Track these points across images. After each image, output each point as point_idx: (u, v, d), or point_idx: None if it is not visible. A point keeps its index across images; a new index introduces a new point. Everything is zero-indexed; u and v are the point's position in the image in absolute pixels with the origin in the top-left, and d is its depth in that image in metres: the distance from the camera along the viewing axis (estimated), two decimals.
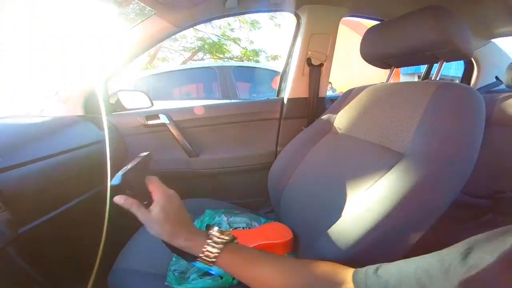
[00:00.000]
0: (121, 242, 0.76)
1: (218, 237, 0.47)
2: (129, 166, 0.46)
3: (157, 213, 0.45)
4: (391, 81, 0.87)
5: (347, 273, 0.41)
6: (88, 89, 1.04)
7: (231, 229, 0.77)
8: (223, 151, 1.18)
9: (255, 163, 1.18)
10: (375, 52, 0.81)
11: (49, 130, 0.87)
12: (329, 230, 0.55)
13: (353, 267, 0.43)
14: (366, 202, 0.52)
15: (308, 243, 0.64)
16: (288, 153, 0.89)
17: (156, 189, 0.47)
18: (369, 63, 0.85)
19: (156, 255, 0.67)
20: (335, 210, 0.58)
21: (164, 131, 1.13)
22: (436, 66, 0.71)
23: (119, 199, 0.44)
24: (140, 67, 6.09)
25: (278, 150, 1.18)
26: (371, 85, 0.83)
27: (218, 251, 0.45)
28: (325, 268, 0.43)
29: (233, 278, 0.62)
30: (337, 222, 0.55)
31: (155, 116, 1.12)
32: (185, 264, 0.66)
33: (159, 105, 1.32)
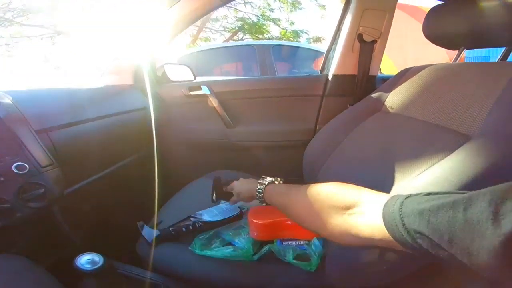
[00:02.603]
0: (152, 209, 0.80)
1: (264, 180, 0.63)
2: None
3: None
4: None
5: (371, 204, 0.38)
6: (137, 62, 1.10)
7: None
8: (259, 124, 1.18)
9: (291, 139, 1.16)
10: (442, 30, 0.74)
11: (102, 95, 0.95)
12: None
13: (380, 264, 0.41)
14: (419, 185, 0.47)
15: None
16: (329, 131, 0.84)
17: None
18: (433, 42, 0.78)
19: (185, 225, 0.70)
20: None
21: (205, 102, 1.15)
22: None
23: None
24: (183, 46, 6.29)
25: (317, 128, 1.14)
26: (432, 64, 0.74)
27: (263, 187, 0.61)
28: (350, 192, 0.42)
29: (254, 254, 0.63)
30: None
31: (197, 87, 1.14)
32: (211, 233, 0.69)
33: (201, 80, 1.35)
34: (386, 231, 0.33)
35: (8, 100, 0.63)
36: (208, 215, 0.73)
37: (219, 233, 0.70)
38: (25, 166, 0.54)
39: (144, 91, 1.07)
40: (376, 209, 0.35)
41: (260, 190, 0.60)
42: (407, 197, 0.33)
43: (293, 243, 0.65)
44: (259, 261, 0.63)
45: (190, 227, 0.69)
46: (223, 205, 0.77)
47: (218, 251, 0.63)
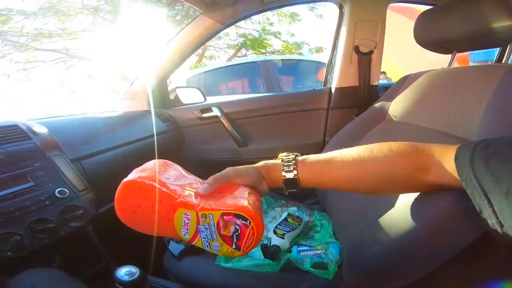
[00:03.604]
0: None
1: (285, 159, 0.47)
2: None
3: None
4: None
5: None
6: (151, 87, 1.18)
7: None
8: (269, 141, 1.22)
9: (300, 153, 1.19)
10: (432, 37, 0.76)
11: (122, 122, 1.02)
12: (379, 220, 0.52)
13: (403, 260, 0.42)
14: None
15: (354, 236, 0.63)
16: (337, 144, 0.88)
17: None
18: (426, 48, 0.80)
19: None
20: (388, 201, 0.56)
21: (217, 122, 1.22)
22: None
23: None
24: (190, 66, 6.50)
25: (326, 140, 1.17)
26: (429, 70, 0.78)
27: (294, 168, 0.45)
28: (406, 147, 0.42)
29: (278, 263, 0.65)
30: (388, 213, 0.52)
31: (209, 109, 1.21)
32: None
33: (210, 100, 1.42)
34: (460, 184, 0.35)
35: (43, 130, 0.71)
36: None
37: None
38: (66, 191, 0.61)
39: (159, 115, 1.15)
40: (449, 164, 0.37)
41: (292, 175, 0.45)
42: (474, 147, 0.35)
43: (310, 252, 0.67)
44: (280, 271, 0.65)
45: None
46: None
47: (243, 262, 0.66)
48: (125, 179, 0.41)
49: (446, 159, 0.38)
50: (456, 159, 0.36)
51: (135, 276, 0.50)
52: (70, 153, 0.71)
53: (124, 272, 0.51)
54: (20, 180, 0.58)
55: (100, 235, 0.71)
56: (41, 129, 0.71)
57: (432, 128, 0.64)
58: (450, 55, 0.80)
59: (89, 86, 7.15)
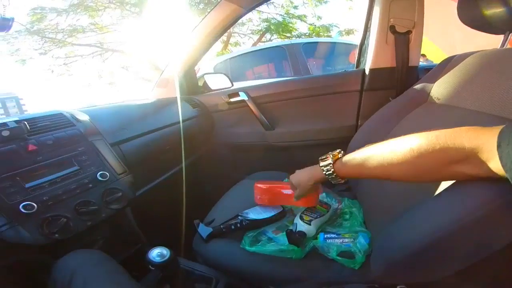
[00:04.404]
0: (206, 209, 0.88)
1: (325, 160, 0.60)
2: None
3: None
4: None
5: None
6: (180, 75, 1.21)
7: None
8: (297, 124, 1.20)
9: (331, 136, 1.16)
10: (480, 14, 0.67)
11: (154, 109, 1.06)
12: (414, 210, 0.49)
13: (438, 253, 0.39)
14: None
15: (386, 225, 0.61)
16: (372, 126, 0.83)
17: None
18: (472, 27, 0.72)
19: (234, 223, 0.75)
20: (424, 190, 0.52)
21: (244, 106, 1.22)
22: None
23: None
24: (217, 53, 6.53)
25: (359, 123, 1.12)
26: (478, 51, 0.69)
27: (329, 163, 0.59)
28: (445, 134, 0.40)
29: (302, 250, 0.65)
30: (425, 203, 0.48)
31: (236, 94, 1.22)
32: (257, 232, 0.73)
33: (237, 85, 1.42)
34: (503, 173, 0.32)
35: (85, 117, 0.76)
36: (253, 213, 0.77)
37: (264, 230, 0.74)
38: (106, 174, 0.65)
39: (190, 101, 1.18)
40: (489, 153, 0.34)
41: (329, 168, 0.58)
42: None
43: (337, 240, 0.66)
44: (304, 257, 0.65)
45: (238, 225, 0.74)
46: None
47: (267, 247, 0.67)
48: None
49: (486, 147, 0.34)
50: (498, 146, 0.33)
51: (166, 258, 0.53)
52: (110, 138, 0.75)
53: (156, 253, 0.54)
54: (66, 164, 0.63)
55: (136, 218, 0.75)
56: (83, 117, 0.76)
57: (480, 111, 0.58)
58: (503, 36, 0.70)
59: (124, 77, 7.55)
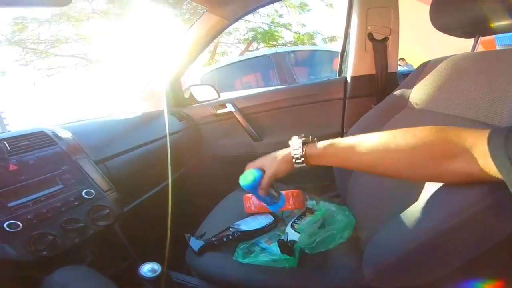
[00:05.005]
0: (197, 223, 0.87)
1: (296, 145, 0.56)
2: None
3: (266, 172, 0.60)
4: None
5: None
6: (164, 87, 1.21)
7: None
8: (285, 134, 1.19)
9: None
10: (451, 20, 0.71)
11: (140, 123, 1.06)
12: (403, 213, 0.50)
13: (427, 255, 0.40)
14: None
15: (376, 229, 0.62)
16: (356, 134, 0.85)
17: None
18: (445, 33, 0.76)
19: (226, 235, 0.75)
20: (412, 192, 0.54)
21: (231, 118, 1.23)
22: None
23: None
24: (204, 63, 6.56)
25: (344, 131, 1.15)
26: (450, 56, 0.73)
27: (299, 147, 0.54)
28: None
29: (295, 258, 0.65)
30: (413, 206, 0.49)
31: (223, 105, 1.23)
32: (250, 243, 0.73)
33: (224, 96, 1.43)
34: (494, 169, 0.33)
35: (68, 135, 0.75)
36: (245, 225, 0.78)
37: (257, 241, 0.74)
38: (92, 192, 0.64)
39: (176, 114, 1.17)
40: (480, 150, 0.35)
41: (298, 152, 0.54)
42: (509, 131, 0.33)
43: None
44: (299, 267, 0.65)
45: (230, 237, 0.74)
46: (258, 215, 0.82)
47: (260, 258, 0.67)
48: None
49: (477, 145, 0.36)
50: (489, 143, 0.34)
51: (157, 273, 0.53)
52: (94, 155, 0.74)
53: (147, 268, 0.53)
54: (50, 183, 0.62)
55: (125, 234, 0.74)
56: (66, 134, 0.75)
57: (458, 116, 0.61)
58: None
59: (108, 88, 7.42)
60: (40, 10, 6.16)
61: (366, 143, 0.47)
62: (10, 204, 0.55)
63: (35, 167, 0.62)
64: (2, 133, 0.70)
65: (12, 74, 6.26)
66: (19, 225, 0.53)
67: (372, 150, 0.46)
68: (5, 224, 0.51)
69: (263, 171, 0.60)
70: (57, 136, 0.72)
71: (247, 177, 0.60)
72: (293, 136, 0.59)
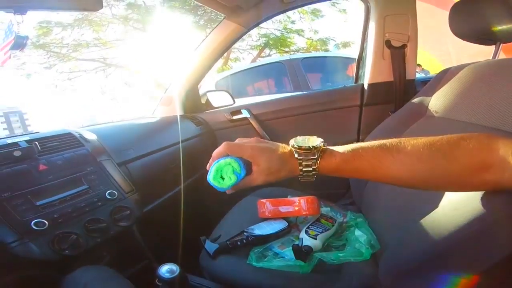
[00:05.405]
0: (211, 226, 0.88)
1: (300, 151, 0.44)
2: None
3: (255, 174, 0.45)
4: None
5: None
6: (182, 93, 1.24)
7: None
8: None
9: None
10: (471, 27, 0.71)
11: (159, 128, 1.09)
12: (421, 221, 0.49)
13: (441, 264, 0.39)
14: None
15: (394, 236, 0.61)
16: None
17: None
18: (465, 40, 0.75)
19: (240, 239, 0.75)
20: (430, 200, 0.52)
21: (246, 124, 1.25)
22: None
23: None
24: (217, 69, 6.67)
25: (360, 138, 1.14)
26: (472, 63, 0.72)
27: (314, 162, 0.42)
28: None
29: (309, 264, 0.65)
30: (432, 213, 0.48)
31: (238, 111, 1.25)
32: (263, 247, 0.73)
33: (238, 102, 1.45)
34: None
35: (93, 137, 0.78)
36: (259, 229, 0.78)
37: (271, 246, 0.74)
38: (115, 193, 0.67)
39: (193, 119, 1.20)
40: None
41: (309, 163, 0.43)
42: None
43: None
44: (311, 272, 0.65)
45: (244, 241, 0.75)
46: (272, 220, 0.82)
47: (274, 263, 0.67)
48: None
49: (510, 153, 0.34)
50: None
51: (175, 274, 0.54)
52: (117, 158, 0.77)
53: (166, 269, 0.54)
54: (76, 183, 0.65)
55: (142, 235, 0.76)
56: (91, 136, 0.78)
57: (479, 124, 0.59)
58: (494, 46, 0.73)
59: (126, 93, 7.66)
60: (65, 14, 6.44)
61: (401, 152, 0.40)
62: (38, 203, 0.56)
63: (62, 168, 0.65)
64: (32, 133, 0.73)
65: (36, 77, 6.55)
66: (45, 223, 0.54)
67: (405, 163, 0.40)
68: (32, 223, 0.53)
69: (246, 163, 0.45)
70: (83, 138, 0.75)
71: (224, 174, 0.46)
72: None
